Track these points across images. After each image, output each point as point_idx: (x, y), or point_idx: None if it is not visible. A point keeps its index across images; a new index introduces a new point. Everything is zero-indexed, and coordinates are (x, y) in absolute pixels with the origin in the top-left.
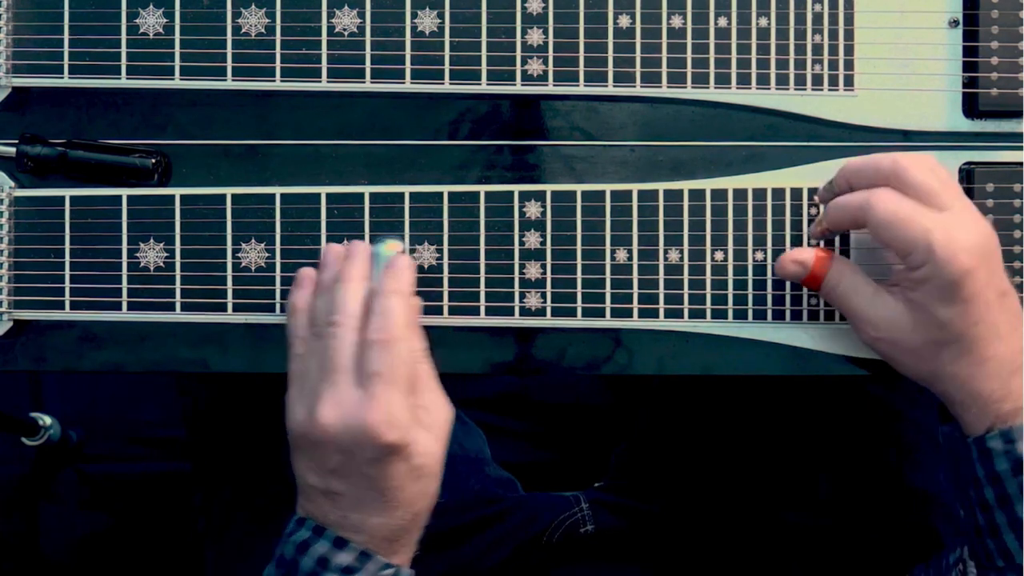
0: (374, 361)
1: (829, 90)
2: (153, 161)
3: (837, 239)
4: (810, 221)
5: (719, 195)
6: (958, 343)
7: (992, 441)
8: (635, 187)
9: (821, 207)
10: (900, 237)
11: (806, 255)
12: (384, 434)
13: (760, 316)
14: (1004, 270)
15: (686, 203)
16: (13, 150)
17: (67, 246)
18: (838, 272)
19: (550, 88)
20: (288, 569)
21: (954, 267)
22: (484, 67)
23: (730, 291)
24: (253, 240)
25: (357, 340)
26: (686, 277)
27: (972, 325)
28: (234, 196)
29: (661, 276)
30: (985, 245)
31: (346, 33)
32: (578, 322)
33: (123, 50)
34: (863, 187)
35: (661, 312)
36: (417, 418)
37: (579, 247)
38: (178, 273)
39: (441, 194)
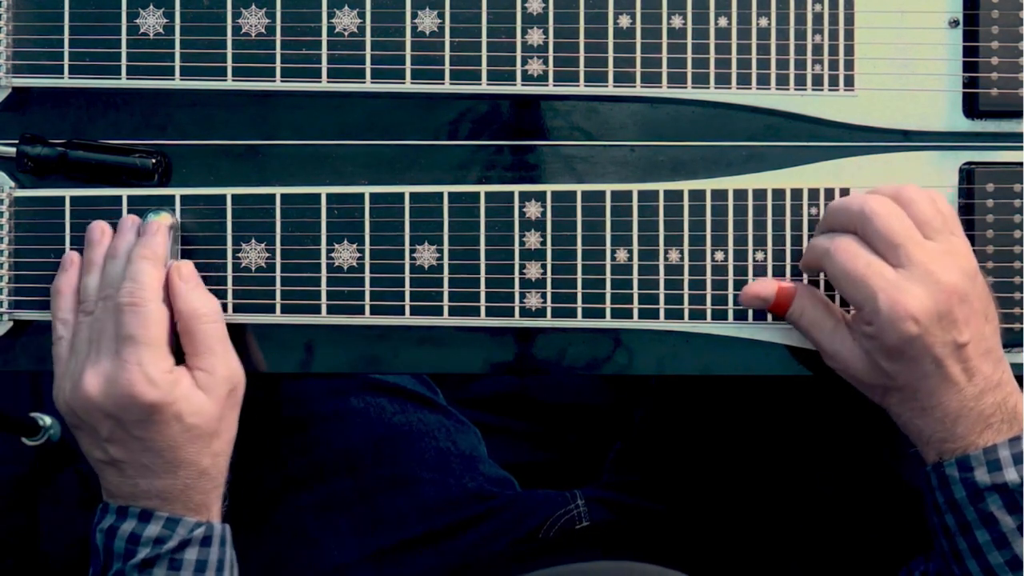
0: (126, 325)
1: (829, 90)
2: (153, 161)
3: None
4: (810, 221)
5: (719, 195)
6: (902, 392)
7: (950, 468)
8: (635, 187)
9: (821, 215)
10: (850, 295)
11: (768, 291)
12: (143, 394)
13: (760, 316)
14: (973, 313)
15: (686, 203)
16: (13, 150)
17: (67, 246)
18: (800, 307)
19: (550, 88)
20: (104, 556)
21: (898, 334)
22: (484, 67)
23: (730, 291)
24: (253, 240)
25: None
26: (686, 277)
27: (917, 379)
28: (234, 196)
29: (661, 276)
30: (940, 306)
31: (346, 33)
32: (578, 322)
33: (123, 50)
34: (838, 228)
35: (661, 312)
36: (190, 379)
37: (579, 247)
38: None
39: (441, 194)
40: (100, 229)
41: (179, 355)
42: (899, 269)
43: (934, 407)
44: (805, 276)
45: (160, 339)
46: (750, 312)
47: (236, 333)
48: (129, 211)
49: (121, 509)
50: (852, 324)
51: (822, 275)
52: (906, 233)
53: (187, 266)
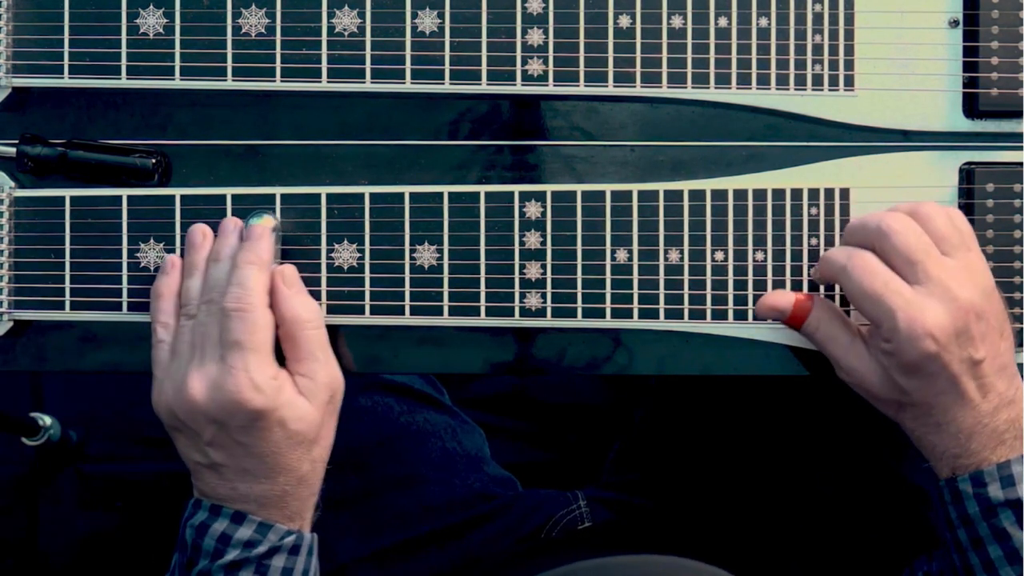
0: (232, 330)
1: (829, 90)
2: (153, 161)
3: None
4: (810, 221)
5: (719, 195)
6: (917, 408)
7: (963, 484)
8: (635, 187)
9: (821, 215)
10: (868, 312)
11: (785, 303)
12: (250, 400)
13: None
14: (989, 330)
15: (686, 203)
16: (13, 150)
17: (67, 246)
18: (816, 319)
19: (550, 88)
20: (191, 552)
21: (917, 352)
22: (484, 67)
23: (730, 291)
24: None
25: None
26: (686, 277)
27: (932, 396)
28: (234, 196)
29: (661, 276)
30: (957, 323)
31: (346, 33)
32: (578, 322)
33: (123, 50)
34: (855, 245)
35: (661, 312)
36: (293, 385)
37: (579, 247)
38: None
39: (441, 194)
40: (201, 232)
41: (278, 359)
42: (916, 286)
43: (949, 423)
44: (822, 288)
45: (266, 344)
46: (750, 312)
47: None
48: (129, 211)
49: (215, 507)
50: (869, 340)
51: (837, 288)
52: (924, 249)
53: (290, 271)
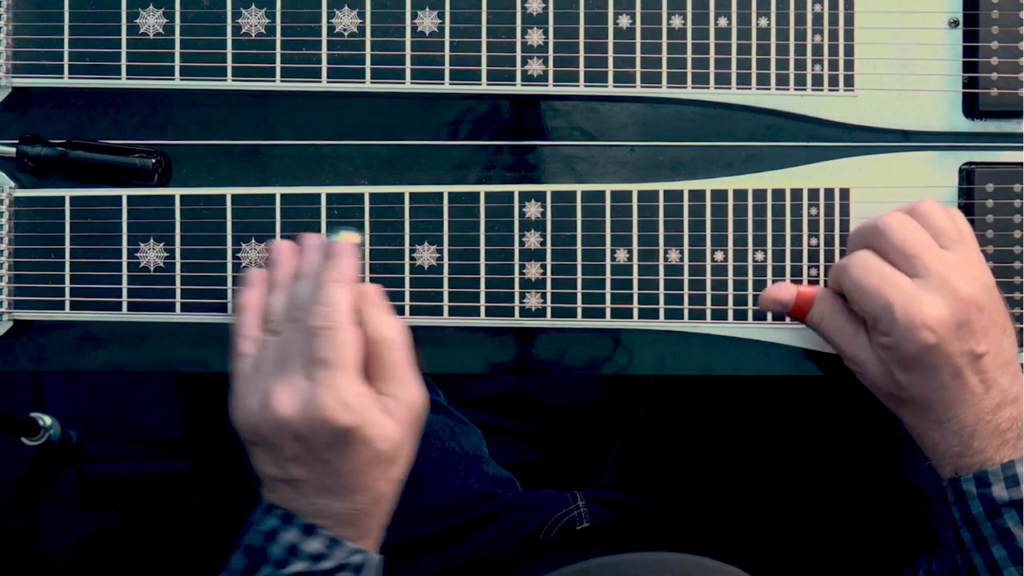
0: (320, 348)
1: (829, 90)
2: (153, 161)
3: None
4: (810, 221)
5: (719, 195)
6: (916, 403)
7: (967, 484)
8: (635, 187)
9: (821, 215)
10: (865, 307)
11: (787, 295)
12: (339, 418)
13: (760, 316)
14: (991, 325)
15: (686, 203)
16: (13, 150)
17: (67, 246)
18: (820, 311)
19: (550, 88)
20: (256, 557)
21: (915, 344)
22: (484, 67)
23: (730, 291)
24: (253, 240)
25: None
26: (686, 277)
27: (932, 391)
28: (234, 196)
29: (661, 276)
30: (958, 316)
31: (346, 33)
32: (578, 322)
33: (123, 50)
34: (857, 248)
35: (661, 312)
36: (379, 404)
37: (579, 247)
38: (178, 273)
39: (441, 194)
40: (285, 249)
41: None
42: (916, 279)
43: (950, 419)
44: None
45: (353, 363)
46: (750, 312)
47: None
48: (129, 211)
49: (287, 516)
50: (870, 335)
51: None
52: (921, 243)
53: (375, 290)
